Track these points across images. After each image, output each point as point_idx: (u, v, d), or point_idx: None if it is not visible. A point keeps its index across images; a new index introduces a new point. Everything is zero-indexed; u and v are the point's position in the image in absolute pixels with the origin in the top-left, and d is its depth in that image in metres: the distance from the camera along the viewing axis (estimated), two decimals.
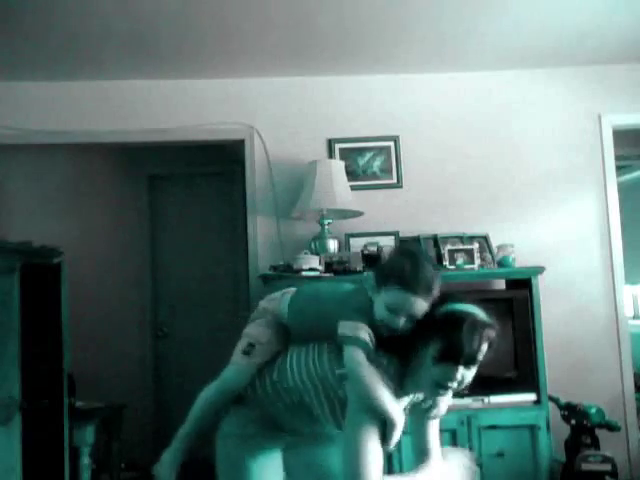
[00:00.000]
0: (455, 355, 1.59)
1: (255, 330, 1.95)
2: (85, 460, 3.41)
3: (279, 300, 1.98)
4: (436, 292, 1.69)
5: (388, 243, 3.68)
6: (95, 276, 4.79)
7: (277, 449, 1.90)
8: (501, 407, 3.33)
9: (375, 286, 1.74)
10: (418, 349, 1.67)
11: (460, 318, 1.62)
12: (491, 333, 1.63)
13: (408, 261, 1.70)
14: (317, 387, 1.76)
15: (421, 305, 1.67)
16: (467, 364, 1.61)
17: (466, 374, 1.63)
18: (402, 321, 1.68)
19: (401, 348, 1.71)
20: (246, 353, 1.89)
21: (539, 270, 3.43)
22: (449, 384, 1.62)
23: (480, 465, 3.20)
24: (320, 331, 1.81)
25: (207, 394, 1.94)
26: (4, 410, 2.84)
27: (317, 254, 3.40)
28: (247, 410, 1.88)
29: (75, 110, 3.84)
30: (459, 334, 1.58)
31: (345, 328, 1.71)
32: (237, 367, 1.90)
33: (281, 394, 1.82)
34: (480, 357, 1.62)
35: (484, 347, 1.62)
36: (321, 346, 1.80)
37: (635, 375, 3.93)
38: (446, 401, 1.81)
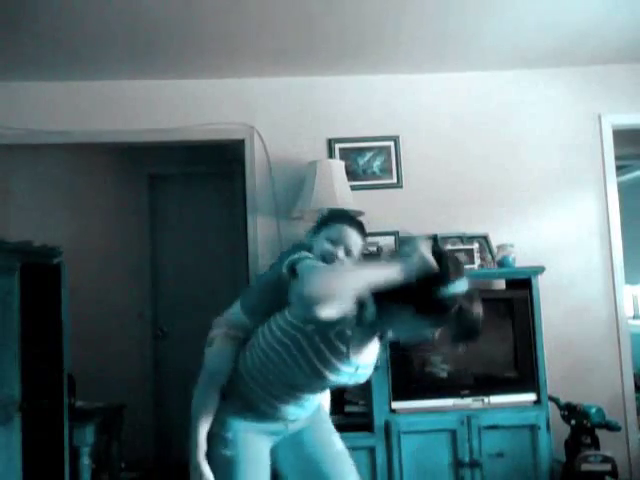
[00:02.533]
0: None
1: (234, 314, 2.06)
2: (85, 460, 3.41)
3: (228, 314, 2.08)
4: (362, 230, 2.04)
5: (388, 243, 3.69)
6: (95, 276, 4.79)
7: (262, 444, 1.93)
8: (501, 407, 3.33)
9: (315, 230, 2.03)
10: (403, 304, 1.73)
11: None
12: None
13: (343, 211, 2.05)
14: (286, 344, 1.80)
15: (357, 239, 2.00)
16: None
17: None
18: (340, 253, 1.94)
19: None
20: (215, 328, 2.05)
21: (539, 270, 3.44)
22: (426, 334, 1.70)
23: (480, 465, 3.23)
24: (274, 302, 1.88)
25: (199, 391, 1.96)
26: (4, 410, 2.84)
27: None
28: (229, 406, 1.91)
29: (75, 110, 3.84)
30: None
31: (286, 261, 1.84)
32: (212, 347, 2.00)
33: (266, 368, 1.86)
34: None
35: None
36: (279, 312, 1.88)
37: (635, 375, 3.93)
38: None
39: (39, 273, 3.17)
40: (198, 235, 5.05)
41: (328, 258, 1.91)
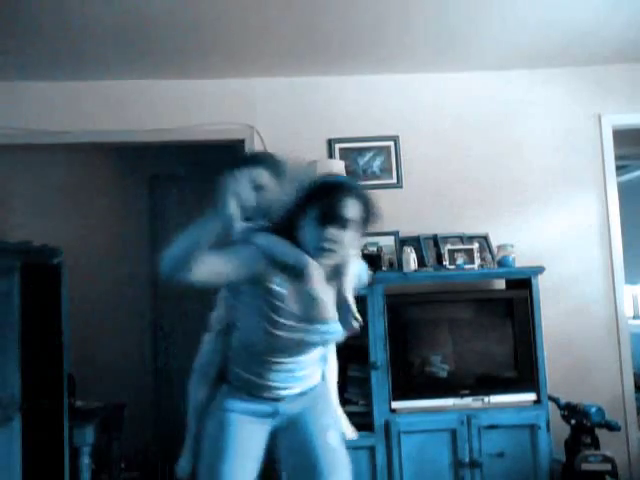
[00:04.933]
0: (324, 218, 1.79)
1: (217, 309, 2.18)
2: (85, 460, 3.40)
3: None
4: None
5: (388, 243, 3.69)
6: (95, 276, 4.78)
7: (256, 428, 1.98)
8: (501, 407, 3.33)
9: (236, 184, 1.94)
10: (298, 229, 1.85)
11: (327, 184, 1.88)
12: (359, 196, 1.85)
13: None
14: (242, 311, 1.96)
15: (257, 172, 1.94)
16: (339, 224, 1.80)
17: (342, 235, 1.81)
18: (268, 195, 1.89)
19: (288, 229, 1.87)
20: (207, 330, 2.13)
21: (539, 270, 3.44)
22: (326, 245, 1.80)
23: (480, 465, 3.23)
24: None
25: (191, 380, 2.07)
26: (4, 410, 2.84)
27: None
28: (226, 387, 2.00)
29: (75, 110, 3.84)
30: (326, 199, 1.80)
31: None
32: (204, 343, 2.11)
33: (239, 339, 1.98)
34: (350, 216, 1.80)
35: (352, 208, 1.81)
36: None
37: (635, 375, 3.93)
38: (349, 281, 1.92)
39: (39, 273, 3.18)
40: None
41: (261, 213, 1.91)
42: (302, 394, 2.03)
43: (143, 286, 4.97)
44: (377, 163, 3.89)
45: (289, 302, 1.84)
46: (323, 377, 2.14)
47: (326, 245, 1.80)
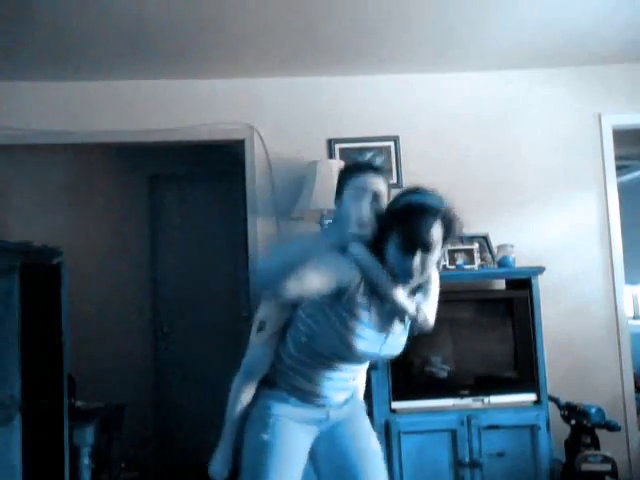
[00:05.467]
0: (408, 246, 1.74)
1: (262, 310, 2.03)
2: (85, 460, 3.40)
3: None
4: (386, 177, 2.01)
5: None
6: (95, 276, 4.78)
7: (302, 434, 1.96)
8: (501, 407, 3.33)
9: (338, 194, 1.94)
10: (385, 245, 1.81)
11: (411, 208, 1.78)
12: (443, 216, 1.79)
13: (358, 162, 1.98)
14: (315, 315, 1.86)
15: (378, 181, 1.93)
16: (423, 250, 1.75)
17: (426, 259, 1.77)
18: (366, 204, 1.86)
19: (377, 251, 1.83)
20: (260, 329, 1.99)
21: (539, 270, 3.44)
22: (412, 271, 1.76)
23: (480, 465, 3.23)
24: None
25: (236, 383, 2.02)
26: (4, 410, 2.84)
27: None
28: (275, 391, 1.96)
29: (75, 110, 3.84)
30: (409, 225, 1.74)
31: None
32: (254, 346, 2.00)
33: (302, 344, 1.91)
34: (434, 240, 1.75)
35: (436, 232, 1.76)
36: None
37: (635, 375, 3.93)
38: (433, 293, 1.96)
39: (39, 273, 3.17)
40: (198, 235, 5.05)
41: (359, 222, 1.87)
42: (346, 401, 2.04)
43: (143, 286, 4.98)
44: (377, 163, 3.88)
45: (372, 314, 1.83)
46: None
47: (411, 271, 1.77)
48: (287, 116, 3.91)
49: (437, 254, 1.81)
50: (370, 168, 2.01)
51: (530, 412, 3.32)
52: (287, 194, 3.78)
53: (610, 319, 3.86)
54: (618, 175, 4.12)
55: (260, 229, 3.83)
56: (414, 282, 1.82)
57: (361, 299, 1.81)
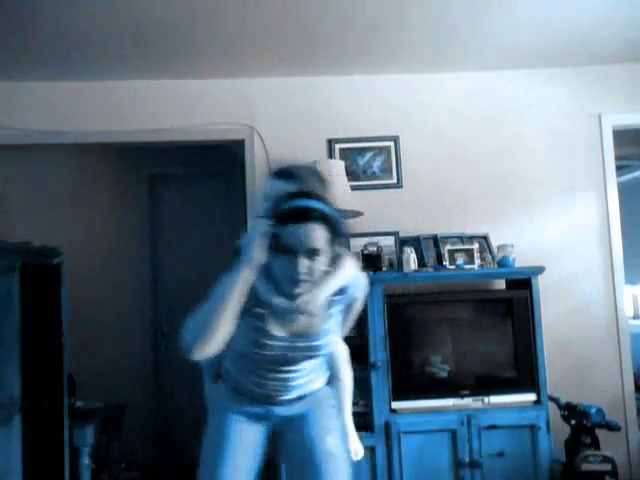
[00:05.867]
0: (292, 250, 1.69)
1: None
2: (85, 460, 3.41)
3: None
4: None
5: (388, 243, 3.69)
6: (95, 276, 4.78)
7: (253, 428, 2.02)
8: (501, 407, 3.33)
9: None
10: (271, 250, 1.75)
11: (292, 212, 1.70)
12: (326, 219, 1.71)
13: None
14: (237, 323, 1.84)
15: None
16: (307, 255, 1.70)
17: (312, 263, 1.71)
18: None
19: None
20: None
21: (539, 270, 3.44)
22: (299, 276, 1.71)
23: (480, 465, 3.23)
24: None
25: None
26: (4, 410, 2.84)
27: None
28: (223, 385, 2.06)
29: (75, 110, 3.84)
30: (290, 229, 1.69)
31: None
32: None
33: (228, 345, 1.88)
34: (318, 245, 1.70)
35: (319, 236, 1.70)
36: None
37: (635, 375, 3.93)
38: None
39: (39, 273, 3.18)
40: (198, 235, 5.04)
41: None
42: (301, 398, 2.03)
43: (143, 286, 4.98)
44: (377, 163, 3.89)
45: (272, 320, 1.85)
46: (329, 382, 2.14)
47: (297, 275, 1.72)
48: (287, 116, 3.91)
49: (323, 258, 1.75)
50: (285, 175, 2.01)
51: (530, 412, 3.32)
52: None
53: (610, 319, 3.86)
54: (618, 175, 4.12)
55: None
56: (304, 285, 1.77)
57: (259, 309, 1.83)
